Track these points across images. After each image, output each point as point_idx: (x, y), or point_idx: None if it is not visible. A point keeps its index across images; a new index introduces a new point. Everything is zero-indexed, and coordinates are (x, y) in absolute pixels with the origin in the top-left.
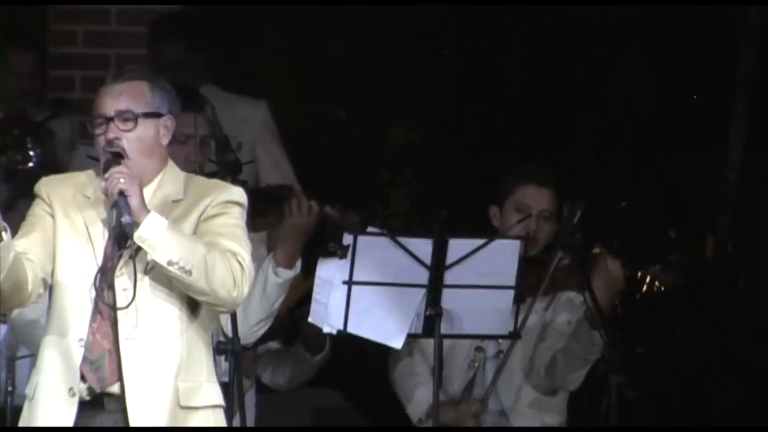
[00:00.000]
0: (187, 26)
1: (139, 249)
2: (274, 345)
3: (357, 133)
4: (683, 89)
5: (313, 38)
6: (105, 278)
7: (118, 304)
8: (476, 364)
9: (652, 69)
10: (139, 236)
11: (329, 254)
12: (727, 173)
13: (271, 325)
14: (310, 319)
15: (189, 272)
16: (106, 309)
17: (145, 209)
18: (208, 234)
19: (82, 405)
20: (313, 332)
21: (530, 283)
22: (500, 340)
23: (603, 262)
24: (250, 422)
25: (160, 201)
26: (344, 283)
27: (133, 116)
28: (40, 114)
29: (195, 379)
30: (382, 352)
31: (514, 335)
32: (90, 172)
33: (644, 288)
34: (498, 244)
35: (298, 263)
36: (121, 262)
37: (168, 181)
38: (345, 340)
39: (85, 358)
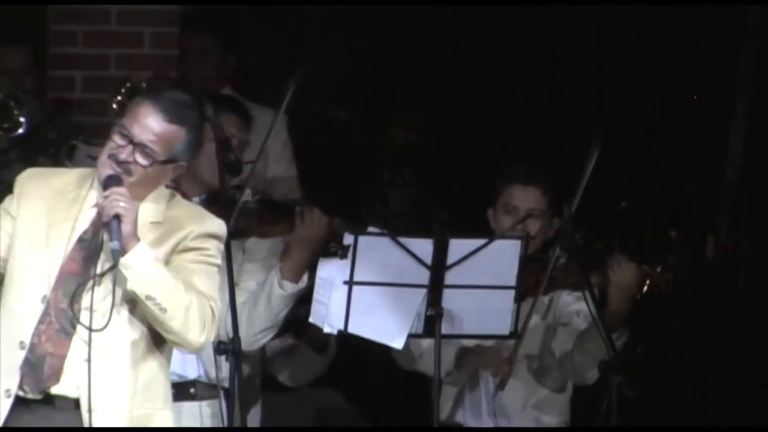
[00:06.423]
0: (219, 22)
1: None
2: (287, 341)
3: (357, 133)
4: (683, 89)
5: (313, 39)
6: (76, 292)
7: (84, 323)
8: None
9: (652, 69)
10: (124, 263)
11: (330, 254)
12: (727, 173)
13: (285, 318)
14: (310, 319)
15: (164, 310)
16: (58, 317)
17: (136, 237)
18: (182, 269)
19: (23, 405)
20: (316, 332)
21: (530, 282)
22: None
23: (616, 264)
24: (256, 424)
25: (139, 222)
26: (345, 283)
27: (153, 160)
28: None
29: (151, 406)
30: (383, 352)
31: (515, 335)
32: (87, 172)
33: (644, 288)
34: (498, 244)
35: (305, 277)
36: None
37: (150, 201)
38: (346, 341)
39: (26, 360)
